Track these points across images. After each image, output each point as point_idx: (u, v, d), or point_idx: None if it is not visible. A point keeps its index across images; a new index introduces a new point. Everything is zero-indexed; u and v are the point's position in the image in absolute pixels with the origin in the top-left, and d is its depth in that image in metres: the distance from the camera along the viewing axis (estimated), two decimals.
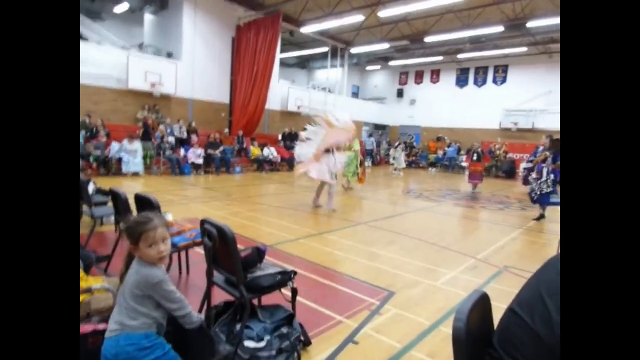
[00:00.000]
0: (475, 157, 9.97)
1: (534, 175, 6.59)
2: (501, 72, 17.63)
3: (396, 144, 14.91)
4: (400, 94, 21.04)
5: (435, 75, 19.73)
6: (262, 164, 12.20)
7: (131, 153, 9.30)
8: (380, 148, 18.98)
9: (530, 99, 16.44)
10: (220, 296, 2.30)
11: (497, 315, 1.06)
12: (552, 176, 6.27)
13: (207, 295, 2.06)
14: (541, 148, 6.56)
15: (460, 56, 17.13)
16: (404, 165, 14.59)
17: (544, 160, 6.42)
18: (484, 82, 18.13)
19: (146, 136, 10.16)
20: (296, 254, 3.85)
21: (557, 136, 6.67)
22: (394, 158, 14.52)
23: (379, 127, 21.02)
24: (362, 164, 9.17)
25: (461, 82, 18.84)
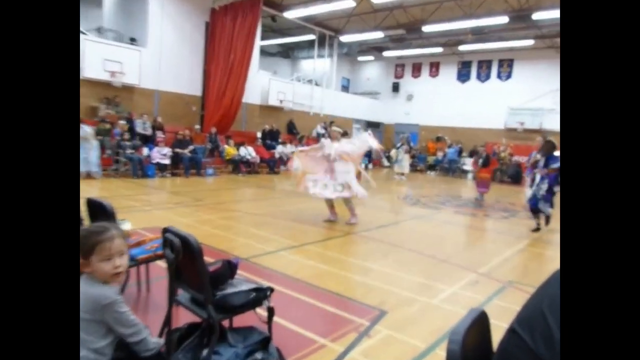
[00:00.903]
0: (481, 163, 10.03)
1: (528, 181, 6.61)
2: (506, 67, 18.03)
3: (398, 144, 14.73)
4: (395, 88, 21.29)
5: (435, 68, 20.05)
6: (239, 166, 12.13)
7: (84, 142, 8.80)
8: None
9: (537, 96, 16.84)
10: (185, 317, 2.25)
11: (498, 335, 1.06)
12: (545, 183, 6.15)
13: (169, 316, 2.02)
14: (535, 152, 6.54)
15: (461, 48, 17.45)
16: (407, 169, 14.45)
17: (534, 165, 6.38)
18: (488, 77, 18.52)
19: (133, 133, 10.18)
20: (275, 269, 3.83)
21: (550, 137, 6.69)
22: (395, 161, 14.37)
23: (372, 125, 21.17)
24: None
25: (463, 76, 19.20)
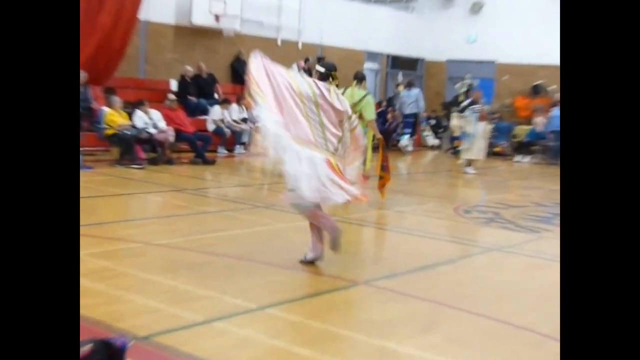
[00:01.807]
0: None
1: None
2: None
3: (466, 101, 14.19)
4: None
5: None
6: (131, 147, 12.16)
7: None
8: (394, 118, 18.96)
9: None
10: None
11: None
12: None
13: None
14: None
15: None
16: (483, 153, 14.30)
17: None
18: None
19: None
20: (204, 357, 3.82)
21: None
22: (466, 135, 13.89)
23: (401, 65, 21.29)
24: (381, 148, 9.01)
25: None
